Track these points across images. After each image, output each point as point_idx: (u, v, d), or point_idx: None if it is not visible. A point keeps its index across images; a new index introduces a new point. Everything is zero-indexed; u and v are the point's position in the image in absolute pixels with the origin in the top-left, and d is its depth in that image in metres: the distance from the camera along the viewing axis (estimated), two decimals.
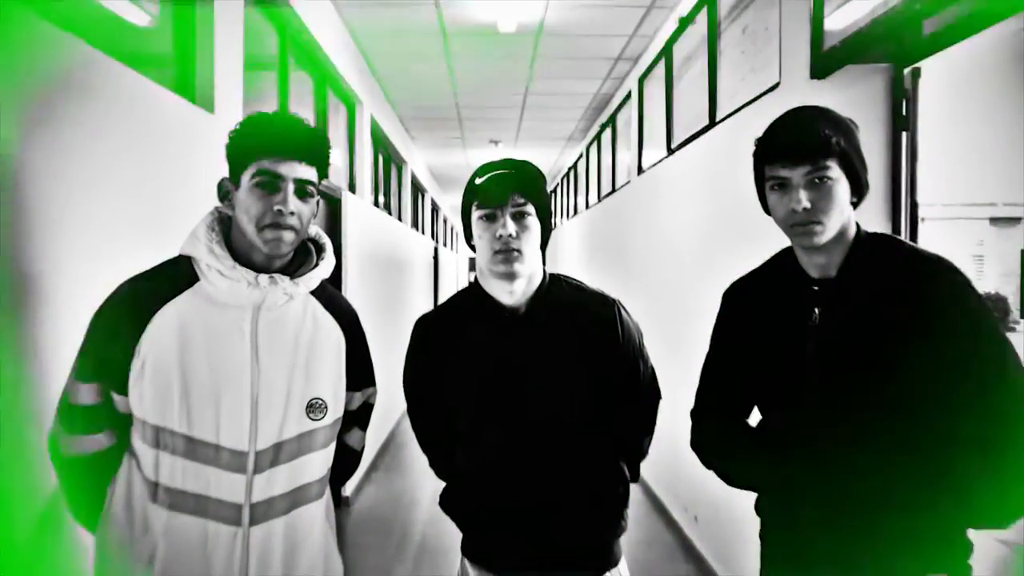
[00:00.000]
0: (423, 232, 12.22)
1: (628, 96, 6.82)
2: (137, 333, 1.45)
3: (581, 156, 10.34)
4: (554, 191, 14.25)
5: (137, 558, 1.45)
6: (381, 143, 7.68)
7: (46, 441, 1.53)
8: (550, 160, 11.98)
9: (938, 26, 2.63)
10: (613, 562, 1.70)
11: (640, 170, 6.28)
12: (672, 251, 4.88)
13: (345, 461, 1.71)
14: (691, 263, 4.39)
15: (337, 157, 5.64)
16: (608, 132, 8.06)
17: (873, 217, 2.88)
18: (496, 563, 1.70)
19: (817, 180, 1.51)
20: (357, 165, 6.08)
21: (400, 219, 9.30)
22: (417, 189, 11.51)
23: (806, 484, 1.55)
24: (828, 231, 1.53)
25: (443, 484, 1.81)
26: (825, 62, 2.91)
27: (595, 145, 9.02)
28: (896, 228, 2.94)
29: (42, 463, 1.54)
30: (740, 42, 3.96)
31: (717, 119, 4.20)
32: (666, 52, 5.36)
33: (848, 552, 1.50)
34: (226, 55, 2.90)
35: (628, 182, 6.78)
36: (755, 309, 1.69)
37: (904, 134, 2.91)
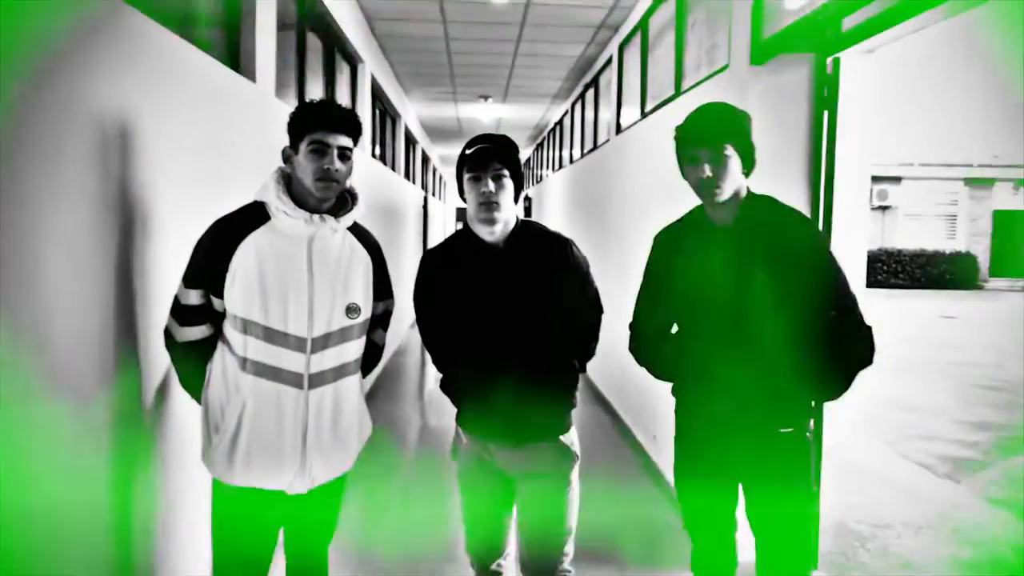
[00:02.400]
0: (414, 182, 12.76)
1: (609, 60, 7.36)
2: (229, 255, 2.05)
3: (567, 113, 10.86)
4: (542, 144, 14.79)
5: (228, 416, 2.08)
6: (378, 98, 8.19)
7: (163, 333, 2.15)
8: (537, 115, 12.49)
9: (855, 23, 3.21)
10: (566, 429, 2.34)
11: (619, 130, 6.85)
12: (642, 205, 5.48)
13: (371, 352, 2.34)
14: (659, 215, 5.00)
15: None
16: (591, 92, 8.60)
17: (795, 178, 3.49)
18: (479, 430, 2.34)
19: (717, 157, 2.12)
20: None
21: (394, 169, 9.83)
22: (409, 141, 12.01)
23: (705, 371, 2.20)
24: (725, 193, 2.15)
25: (441, 375, 2.45)
26: (762, 51, 3.49)
27: (579, 103, 9.56)
28: (816, 189, 3.54)
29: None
30: (703, 22, 4.51)
31: (682, 90, 4.78)
32: (643, 25, 5.90)
33: (729, 411, 2.15)
34: (264, 30, 3.45)
35: (607, 140, 7.36)
36: (675, 248, 2.32)
37: (825, 113, 3.52)
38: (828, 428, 6.03)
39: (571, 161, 10.29)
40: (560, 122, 11.76)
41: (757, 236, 2.15)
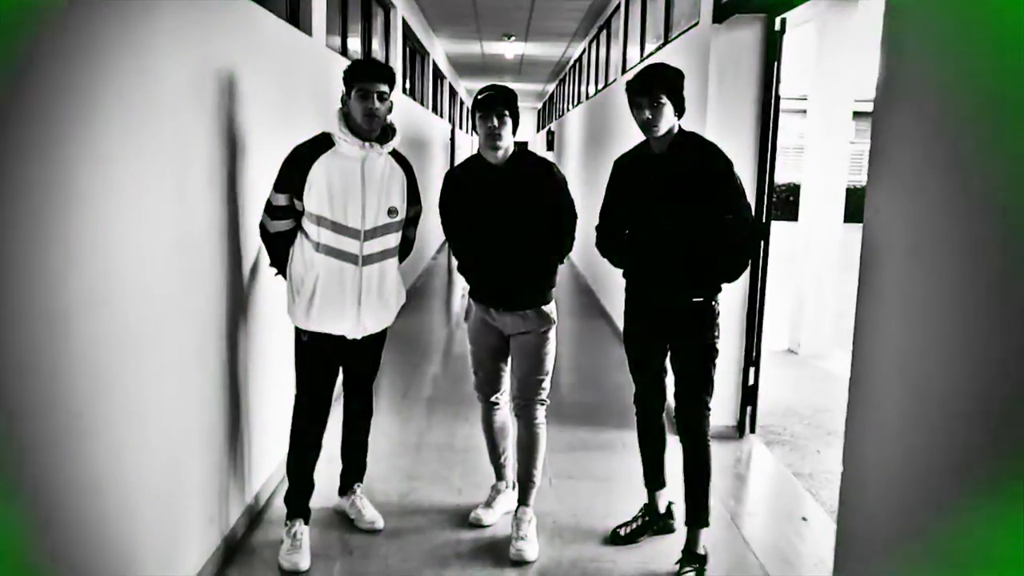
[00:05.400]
0: (441, 116, 13.53)
1: (618, 6, 8.05)
2: (307, 169, 2.93)
3: (584, 51, 11.53)
4: (564, 80, 15.42)
5: (307, 282, 2.98)
6: (408, 39, 8.96)
7: (258, 226, 3.05)
8: (557, 52, 13.14)
9: None
10: (547, 301, 3.22)
11: (624, 70, 7.59)
12: (639, 136, 6.27)
13: (405, 243, 3.23)
14: None
15: (378, 53, 7.01)
16: (604, 34, 9.28)
17: (746, 118, 4.28)
18: (484, 300, 3.23)
19: (655, 103, 2.94)
20: (391, 60, 7.42)
21: (423, 104, 10.62)
22: (437, 77, 12.75)
23: (644, 260, 3.07)
24: (661, 130, 2.98)
25: (457, 263, 3.35)
26: (722, 11, 4.25)
27: (595, 43, 10.24)
28: (765, 125, 4.32)
29: None
30: None
31: (669, 38, 5.54)
32: None
33: (659, 287, 3.03)
34: None
35: (615, 79, 8.10)
36: (626, 170, 3.17)
37: (775, 63, 4.29)
38: (809, 343, 6.94)
39: (587, 97, 11.00)
40: (578, 60, 12.42)
41: (682, 160, 2.99)
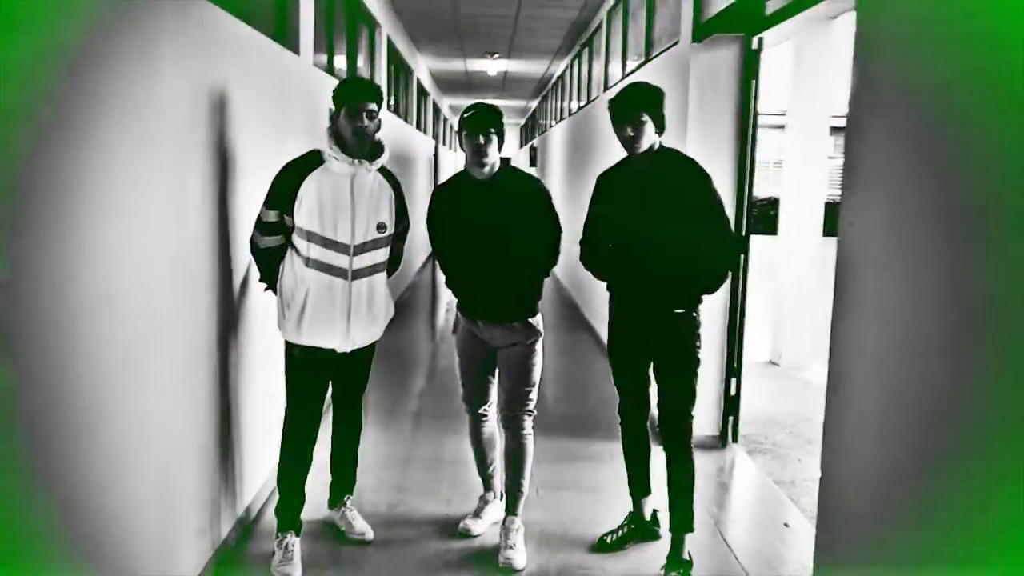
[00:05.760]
0: (425, 132, 13.63)
1: (600, 25, 8.18)
2: (297, 186, 2.99)
3: (567, 69, 11.67)
4: (546, 96, 15.57)
5: (297, 296, 3.04)
6: (393, 55, 9.05)
7: (249, 242, 3.11)
8: (540, 69, 13.28)
9: (776, 8, 4.07)
10: (534, 314, 3.29)
11: (606, 87, 7.71)
12: (622, 152, 6.38)
13: (394, 259, 3.29)
14: None
15: (363, 71, 7.09)
16: (586, 52, 9.42)
17: (726, 134, 4.39)
18: (472, 313, 3.30)
19: (636, 121, 3.03)
20: (377, 77, 7.51)
21: (407, 120, 10.70)
22: (421, 94, 12.85)
23: (626, 272, 3.15)
24: (642, 147, 3.07)
25: (444, 277, 3.41)
26: (701, 30, 4.37)
27: (577, 61, 10.38)
28: (744, 140, 4.43)
29: None
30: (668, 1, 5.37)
31: (651, 56, 5.66)
32: None
33: (641, 299, 3.11)
34: (305, 10, 4.35)
35: (597, 96, 8.22)
36: (609, 185, 3.25)
37: (753, 81, 4.40)
38: (790, 354, 7.04)
39: (570, 114, 11.13)
40: (561, 77, 12.57)
41: (663, 175, 3.08)
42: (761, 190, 21.40)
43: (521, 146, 26.10)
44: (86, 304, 2.00)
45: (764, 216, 21.42)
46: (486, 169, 3.18)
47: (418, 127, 12.28)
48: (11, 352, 1.70)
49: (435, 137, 15.74)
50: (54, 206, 1.85)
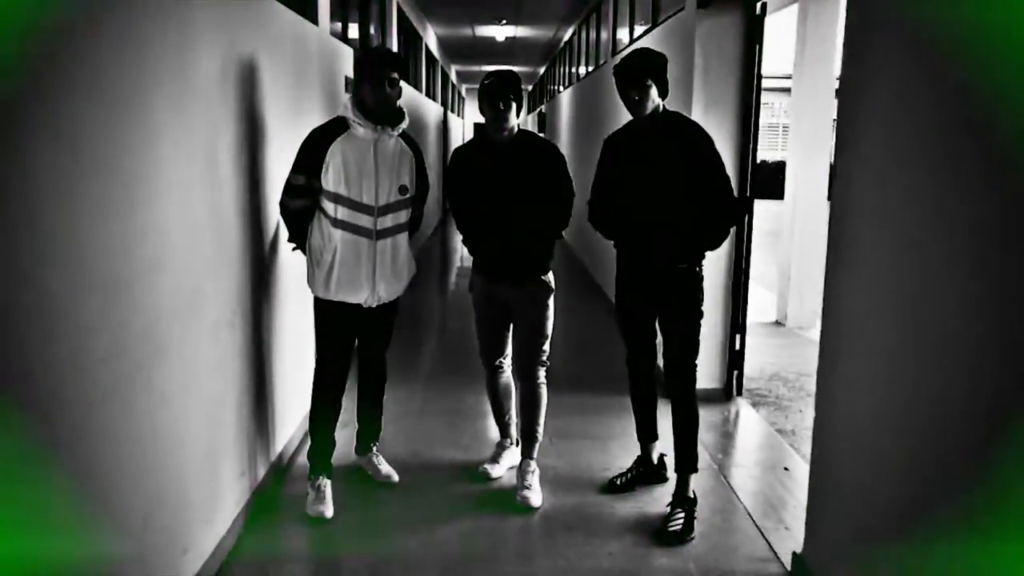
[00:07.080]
0: (434, 99, 13.73)
1: None
2: (324, 151, 3.18)
3: (575, 34, 11.74)
4: (554, 61, 15.62)
5: (326, 255, 3.23)
6: (403, 23, 9.16)
7: (278, 204, 3.30)
8: (547, 35, 13.33)
9: None
10: (546, 272, 3.49)
11: (614, 52, 7.82)
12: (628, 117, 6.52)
13: (414, 219, 3.48)
14: None
15: (375, 39, 7.23)
16: (594, 16, 9.50)
17: (729, 100, 4.54)
18: (487, 272, 3.50)
19: (641, 86, 3.20)
20: (387, 45, 7.64)
21: (416, 87, 10.82)
22: (430, 61, 12.93)
23: (632, 231, 3.33)
24: (647, 110, 3.23)
25: (462, 236, 3.61)
26: None
27: (584, 26, 10.45)
28: (748, 104, 4.58)
29: None
30: None
31: (658, 21, 5.78)
32: None
33: (647, 256, 3.29)
34: None
35: (605, 62, 8.33)
36: (615, 147, 3.43)
37: (757, 46, 4.54)
38: (795, 315, 7.21)
39: (578, 79, 11.22)
40: (569, 43, 12.63)
41: (666, 136, 3.25)
42: (770, 155, 21.50)
43: (530, 111, 26.09)
44: (143, 267, 2.21)
45: (773, 180, 21.55)
46: (506, 133, 3.35)
47: (428, 94, 12.39)
48: (80, 311, 1.91)
49: (444, 104, 15.83)
50: (116, 186, 2.05)
